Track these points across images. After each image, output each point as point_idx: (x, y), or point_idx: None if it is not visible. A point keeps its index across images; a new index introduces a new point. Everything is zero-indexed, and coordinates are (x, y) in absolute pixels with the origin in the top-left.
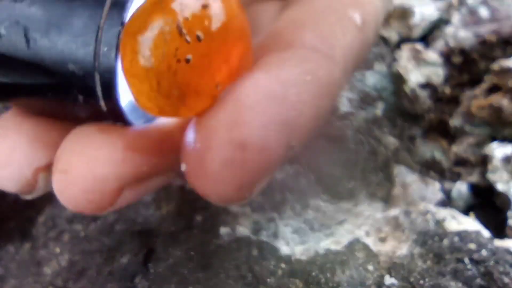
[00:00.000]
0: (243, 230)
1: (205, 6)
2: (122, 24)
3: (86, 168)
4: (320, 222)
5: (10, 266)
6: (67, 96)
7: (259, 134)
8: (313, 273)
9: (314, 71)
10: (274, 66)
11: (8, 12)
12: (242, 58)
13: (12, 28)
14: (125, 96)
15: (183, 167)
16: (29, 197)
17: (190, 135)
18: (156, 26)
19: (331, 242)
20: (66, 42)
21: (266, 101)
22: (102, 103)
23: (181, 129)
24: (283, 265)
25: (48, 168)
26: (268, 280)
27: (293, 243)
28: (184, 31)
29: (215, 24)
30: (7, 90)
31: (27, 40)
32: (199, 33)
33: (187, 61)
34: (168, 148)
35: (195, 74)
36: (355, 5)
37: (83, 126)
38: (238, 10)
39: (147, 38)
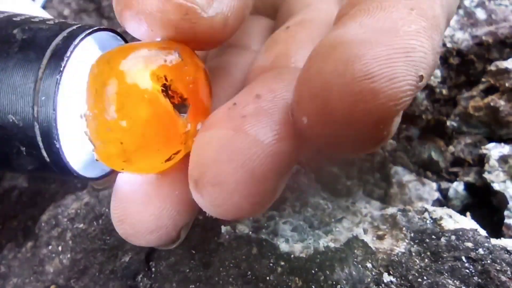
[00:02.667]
0: (243, 228)
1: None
2: (60, 73)
3: (243, 172)
4: (319, 220)
5: (13, 265)
6: (10, 148)
7: (385, 64)
8: (312, 271)
9: (415, 5)
10: (371, 9)
11: None
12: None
13: None
14: (74, 150)
15: (304, 120)
16: (169, 247)
17: None
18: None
19: (330, 240)
20: (6, 94)
21: (380, 35)
22: (44, 153)
23: None
24: (282, 263)
25: (188, 224)
26: (268, 278)
27: (292, 240)
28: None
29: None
30: None
31: None
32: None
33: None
34: None
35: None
36: None
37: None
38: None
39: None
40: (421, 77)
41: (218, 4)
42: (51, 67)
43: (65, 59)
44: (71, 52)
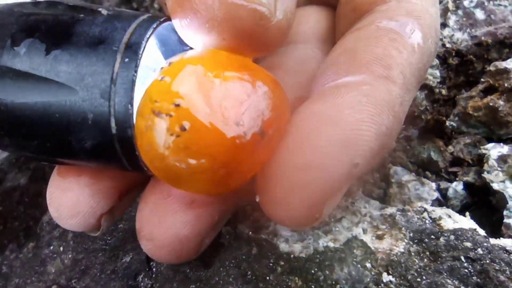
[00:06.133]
0: (243, 228)
1: None
2: (137, 66)
3: (169, 234)
4: None
5: (14, 265)
6: (112, 159)
7: (319, 155)
8: (312, 271)
9: (369, 92)
10: (329, 94)
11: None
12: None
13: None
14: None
15: (257, 198)
16: (93, 234)
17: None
18: None
19: (329, 240)
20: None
21: (323, 125)
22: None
23: None
24: (282, 263)
25: (109, 212)
26: (268, 277)
27: (292, 240)
28: None
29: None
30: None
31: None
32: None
33: None
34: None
35: None
36: (413, 19)
37: (149, 192)
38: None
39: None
40: (357, 164)
41: (281, 5)
42: (129, 61)
43: (152, 29)
44: (155, 28)
